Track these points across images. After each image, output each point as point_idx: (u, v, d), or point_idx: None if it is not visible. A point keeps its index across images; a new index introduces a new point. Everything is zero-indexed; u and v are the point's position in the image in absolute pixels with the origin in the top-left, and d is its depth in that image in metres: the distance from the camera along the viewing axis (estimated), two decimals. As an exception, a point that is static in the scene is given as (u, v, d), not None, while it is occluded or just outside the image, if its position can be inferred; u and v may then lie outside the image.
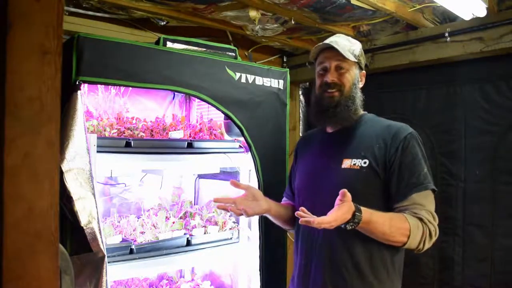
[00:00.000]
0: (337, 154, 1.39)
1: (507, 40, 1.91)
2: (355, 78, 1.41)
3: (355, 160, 1.34)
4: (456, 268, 2.17)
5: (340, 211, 1.15)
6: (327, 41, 1.40)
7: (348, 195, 1.16)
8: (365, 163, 1.32)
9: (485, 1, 1.82)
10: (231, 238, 2.08)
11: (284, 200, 1.64)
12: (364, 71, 1.48)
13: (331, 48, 1.37)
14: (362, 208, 1.19)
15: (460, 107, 2.20)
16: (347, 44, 1.39)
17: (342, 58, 1.36)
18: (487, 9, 1.85)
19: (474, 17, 1.91)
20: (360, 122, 1.43)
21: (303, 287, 1.41)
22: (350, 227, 1.18)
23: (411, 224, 1.22)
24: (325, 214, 1.24)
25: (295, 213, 1.19)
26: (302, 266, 1.42)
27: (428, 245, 1.28)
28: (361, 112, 1.47)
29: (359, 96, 1.43)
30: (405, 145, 1.31)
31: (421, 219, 1.24)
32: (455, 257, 2.18)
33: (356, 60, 1.40)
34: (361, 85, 1.46)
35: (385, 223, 1.22)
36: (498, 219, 2.04)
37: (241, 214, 1.37)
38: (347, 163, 1.35)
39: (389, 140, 1.32)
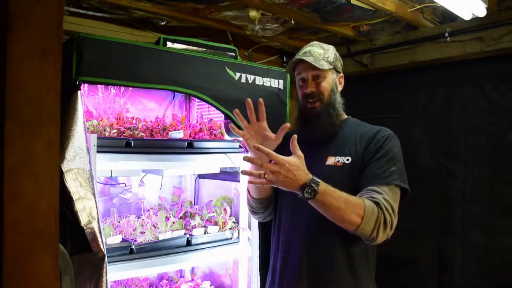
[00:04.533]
0: (321, 151, 1.43)
1: (507, 40, 1.91)
2: (333, 84, 1.46)
3: (339, 157, 1.38)
4: (456, 268, 2.17)
5: (293, 157, 1.20)
6: (301, 53, 1.45)
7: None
8: (347, 160, 1.36)
9: (485, 1, 1.82)
10: (231, 238, 2.08)
11: None
12: (341, 74, 1.51)
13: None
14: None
15: (460, 107, 2.20)
16: (321, 53, 1.44)
17: (318, 67, 1.40)
18: (487, 9, 1.85)
19: (474, 17, 1.91)
20: (344, 124, 1.48)
21: (280, 277, 1.43)
22: (308, 195, 1.18)
23: (366, 205, 1.21)
24: (305, 210, 1.28)
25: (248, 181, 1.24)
26: (281, 258, 1.43)
27: (382, 235, 1.23)
28: (345, 116, 1.51)
29: (338, 101, 1.47)
30: (382, 143, 1.35)
31: (377, 204, 1.22)
32: (455, 257, 2.18)
33: (332, 66, 1.44)
34: (340, 87, 1.50)
35: (340, 198, 1.21)
36: (497, 219, 2.04)
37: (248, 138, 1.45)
38: (331, 160, 1.39)
39: (369, 140, 1.37)
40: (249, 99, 1.43)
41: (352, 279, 1.34)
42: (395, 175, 1.29)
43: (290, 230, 1.43)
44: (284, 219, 1.47)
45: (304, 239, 1.38)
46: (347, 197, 1.22)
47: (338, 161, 1.37)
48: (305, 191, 1.18)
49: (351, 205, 1.21)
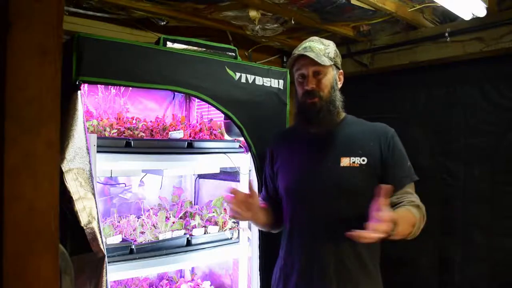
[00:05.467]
0: (332, 153, 1.41)
1: (507, 40, 1.91)
2: (333, 81, 1.43)
3: (354, 158, 1.38)
4: (456, 268, 2.17)
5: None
6: (301, 48, 1.42)
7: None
8: (363, 160, 1.37)
9: (485, 1, 1.82)
10: (231, 238, 2.08)
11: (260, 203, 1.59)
12: (341, 70, 1.49)
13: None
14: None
15: (460, 107, 2.20)
16: (321, 48, 1.41)
17: (319, 63, 1.37)
18: (487, 9, 1.85)
19: (474, 17, 1.91)
20: (344, 122, 1.47)
21: (305, 280, 1.40)
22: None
23: (416, 215, 1.28)
24: (326, 212, 1.33)
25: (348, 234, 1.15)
26: (304, 262, 1.41)
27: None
28: (343, 114, 1.50)
29: (338, 98, 1.46)
30: (393, 142, 1.40)
31: (418, 207, 1.31)
32: (455, 257, 2.18)
33: (332, 63, 1.42)
34: (340, 84, 1.48)
35: (406, 220, 1.25)
36: (497, 219, 2.04)
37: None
38: (345, 162, 1.38)
39: (380, 139, 1.40)
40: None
41: (376, 273, 1.40)
42: (412, 170, 1.39)
43: (309, 232, 1.41)
44: (300, 224, 1.44)
45: (329, 239, 1.37)
46: (402, 215, 1.23)
47: (353, 162, 1.37)
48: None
49: (405, 221, 1.24)
